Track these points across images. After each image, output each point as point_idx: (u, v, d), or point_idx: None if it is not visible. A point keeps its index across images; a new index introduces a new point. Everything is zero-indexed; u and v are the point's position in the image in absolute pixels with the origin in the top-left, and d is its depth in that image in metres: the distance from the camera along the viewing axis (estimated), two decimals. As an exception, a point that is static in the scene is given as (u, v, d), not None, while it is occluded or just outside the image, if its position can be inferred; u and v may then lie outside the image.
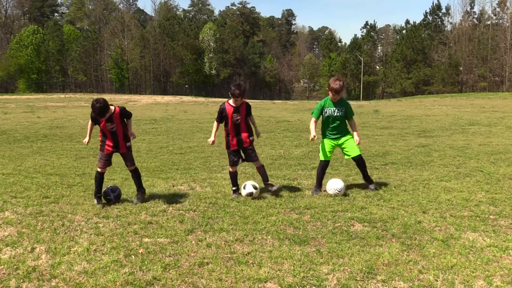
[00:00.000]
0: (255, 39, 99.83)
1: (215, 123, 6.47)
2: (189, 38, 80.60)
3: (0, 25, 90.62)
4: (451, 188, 6.74)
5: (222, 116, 6.35)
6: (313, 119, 6.60)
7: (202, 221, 5.31)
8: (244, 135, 6.34)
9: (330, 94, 6.43)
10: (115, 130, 5.94)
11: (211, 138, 6.52)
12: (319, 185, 6.69)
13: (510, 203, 5.94)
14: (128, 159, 6.23)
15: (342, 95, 6.51)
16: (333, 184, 6.42)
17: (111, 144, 6.01)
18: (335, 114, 6.48)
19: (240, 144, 6.39)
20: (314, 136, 6.47)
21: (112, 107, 5.90)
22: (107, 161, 6.12)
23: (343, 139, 6.59)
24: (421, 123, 17.23)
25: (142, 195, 6.27)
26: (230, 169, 6.52)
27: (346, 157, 6.77)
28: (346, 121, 6.66)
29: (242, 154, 6.52)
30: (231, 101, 6.32)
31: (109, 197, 6.08)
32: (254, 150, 6.48)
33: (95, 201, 6.05)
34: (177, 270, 4.01)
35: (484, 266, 4.03)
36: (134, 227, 5.12)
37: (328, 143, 6.62)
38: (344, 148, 6.63)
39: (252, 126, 6.55)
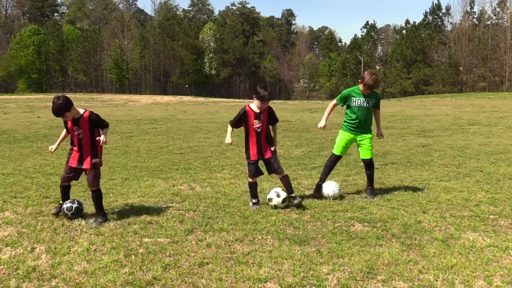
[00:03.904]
0: (255, 39, 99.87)
1: (230, 128, 5.86)
2: (189, 38, 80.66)
3: (0, 25, 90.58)
4: (451, 188, 6.74)
5: (241, 121, 5.76)
6: (333, 102, 6.30)
7: (202, 221, 5.30)
8: (264, 145, 5.78)
9: (362, 87, 6.10)
10: (81, 137, 5.23)
11: (228, 140, 5.88)
12: (323, 180, 6.36)
13: (510, 203, 5.94)
14: (90, 178, 5.34)
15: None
16: (329, 187, 6.21)
17: (77, 155, 5.32)
18: (364, 105, 6.15)
19: (261, 155, 5.80)
20: (323, 127, 6.18)
21: (81, 110, 5.24)
22: (69, 176, 5.45)
23: (363, 136, 6.27)
24: (421, 123, 17.23)
25: (102, 220, 5.30)
26: (250, 180, 5.94)
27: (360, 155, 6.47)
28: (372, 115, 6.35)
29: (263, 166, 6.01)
30: (253, 106, 5.71)
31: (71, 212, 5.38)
32: (276, 160, 5.86)
33: (55, 210, 5.54)
34: (177, 270, 4.01)
35: (484, 266, 4.03)
36: (134, 227, 5.12)
37: (345, 137, 6.29)
38: (360, 145, 6.35)
39: (273, 134, 6.01)
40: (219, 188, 6.95)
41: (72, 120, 5.23)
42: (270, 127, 5.93)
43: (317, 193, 6.32)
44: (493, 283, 3.71)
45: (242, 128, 5.93)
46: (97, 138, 5.28)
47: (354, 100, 6.18)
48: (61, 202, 5.62)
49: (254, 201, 5.93)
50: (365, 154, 6.34)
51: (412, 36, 72.69)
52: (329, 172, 6.50)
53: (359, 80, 6.18)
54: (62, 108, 5.04)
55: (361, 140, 6.32)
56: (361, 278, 3.83)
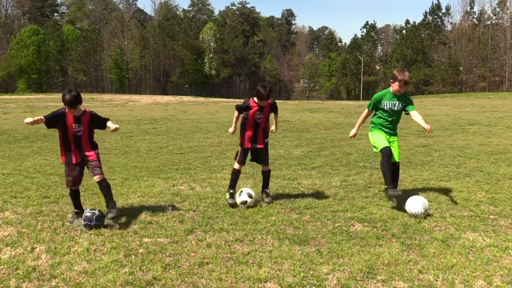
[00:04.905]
0: (255, 39, 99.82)
1: (236, 113, 6.10)
2: (189, 38, 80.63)
3: (0, 25, 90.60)
4: (451, 188, 6.74)
5: (243, 110, 5.99)
6: (366, 111, 6.14)
7: (202, 221, 5.31)
8: (260, 135, 6.10)
9: (396, 87, 5.82)
10: (80, 134, 5.29)
11: (231, 128, 6.30)
12: (392, 181, 5.83)
13: (510, 203, 5.94)
14: (97, 168, 5.38)
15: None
16: (414, 204, 5.44)
17: (76, 153, 5.32)
18: (395, 108, 5.93)
19: (255, 143, 6.10)
20: (355, 135, 6.20)
21: (82, 109, 5.33)
22: (77, 178, 5.40)
23: (392, 138, 6.04)
24: (421, 123, 17.20)
25: (115, 209, 5.33)
26: (236, 166, 6.15)
27: None
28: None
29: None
30: (256, 99, 5.96)
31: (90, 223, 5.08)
32: (267, 153, 6.25)
33: (72, 219, 5.37)
34: (177, 270, 4.01)
35: (484, 266, 4.03)
36: (134, 227, 5.12)
37: (383, 134, 6.02)
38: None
39: (274, 120, 6.39)
40: (219, 188, 6.95)
41: (74, 117, 5.27)
42: (272, 114, 6.26)
43: (393, 193, 5.76)
44: (493, 283, 3.72)
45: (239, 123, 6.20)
46: (112, 127, 5.43)
47: (385, 103, 5.96)
48: (76, 210, 5.43)
49: (231, 191, 6.06)
50: (393, 157, 5.99)
51: (412, 36, 72.72)
52: (392, 174, 5.90)
53: (391, 81, 5.95)
54: (76, 100, 5.16)
55: (391, 142, 6.05)
56: (361, 278, 3.83)
